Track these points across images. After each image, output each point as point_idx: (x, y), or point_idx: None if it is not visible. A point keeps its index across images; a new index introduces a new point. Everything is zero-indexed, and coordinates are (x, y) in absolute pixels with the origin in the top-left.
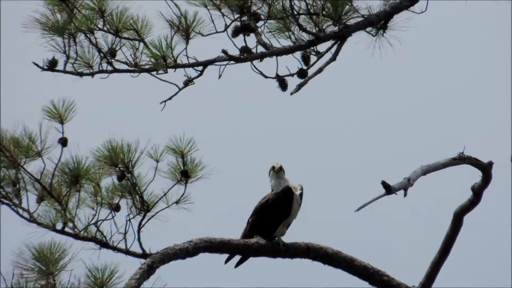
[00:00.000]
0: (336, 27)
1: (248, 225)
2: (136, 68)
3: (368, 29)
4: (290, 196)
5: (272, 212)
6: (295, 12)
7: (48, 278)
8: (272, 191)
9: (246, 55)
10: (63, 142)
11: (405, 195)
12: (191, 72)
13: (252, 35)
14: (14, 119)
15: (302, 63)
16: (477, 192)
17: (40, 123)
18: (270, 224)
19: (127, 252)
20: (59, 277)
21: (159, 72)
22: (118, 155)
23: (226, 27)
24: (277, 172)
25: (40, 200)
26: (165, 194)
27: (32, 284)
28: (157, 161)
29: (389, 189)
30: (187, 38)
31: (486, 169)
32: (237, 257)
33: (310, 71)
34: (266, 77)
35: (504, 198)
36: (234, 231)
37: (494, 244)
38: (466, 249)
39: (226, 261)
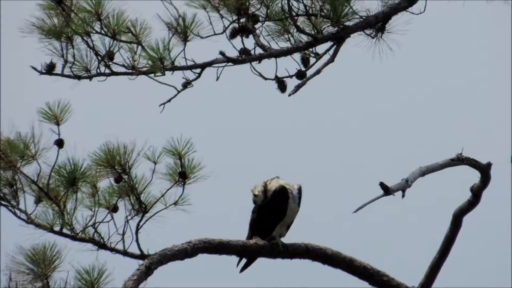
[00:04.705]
0: (335, 28)
1: (249, 226)
2: (134, 70)
3: (367, 31)
4: (284, 195)
5: (268, 211)
6: (294, 14)
7: (42, 280)
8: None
9: (244, 56)
10: (59, 143)
11: (403, 196)
12: (189, 74)
13: (251, 36)
14: (10, 122)
15: (301, 65)
16: (476, 193)
17: (32, 125)
18: (267, 224)
19: (125, 253)
20: (52, 279)
21: (157, 74)
22: (114, 157)
23: (225, 29)
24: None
25: (38, 201)
26: (162, 195)
27: (26, 285)
28: (155, 162)
29: (387, 190)
30: (185, 40)
31: (484, 170)
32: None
33: (309, 73)
34: (265, 78)
35: (503, 199)
36: (233, 232)
37: (494, 245)
38: (465, 249)
39: (237, 265)
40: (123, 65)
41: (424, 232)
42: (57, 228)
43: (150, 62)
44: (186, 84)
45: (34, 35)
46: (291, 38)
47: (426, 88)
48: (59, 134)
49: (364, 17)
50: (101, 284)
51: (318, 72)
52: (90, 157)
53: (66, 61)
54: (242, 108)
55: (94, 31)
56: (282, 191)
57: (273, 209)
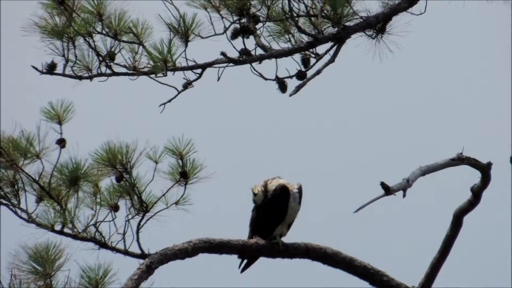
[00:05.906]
0: (335, 29)
1: (249, 225)
2: (135, 71)
3: (368, 32)
4: (285, 194)
5: (268, 211)
6: (294, 14)
7: (45, 279)
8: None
9: (245, 57)
10: (62, 143)
11: (403, 196)
12: (190, 75)
13: (251, 37)
14: (13, 121)
15: (302, 65)
16: (476, 193)
17: (38, 125)
18: (267, 223)
19: (126, 252)
20: (56, 278)
21: (158, 75)
22: (116, 156)
23: (225, 29)
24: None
25: (39, 200)
26: (163, 195)
27: (28, 285)
28: (156, 162)
29: (388, 190)
30: (186, 40)
31: (485, 170)
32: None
33: (309, 73)
34: (265, 79)
35: (504, 199)
36: (234, 231)
37: (494, 245)
38: (466, 249)
39: (239, 267)
40: (124, 66)
41: (424, 232)
42: (58, 228)
43: (152, 62)
44: (187, 84)
45: (36, 34)
46: (291, 39)
47: (426, 88)
48: (61, 134)
49: (364, 18)
50: (106, 284)
51: (318, 72)
52: (92, 156)
53: (67, 61)
54: (243, 108)
55: (95, 32)
56: (283, 190)
57: (274, 208)
